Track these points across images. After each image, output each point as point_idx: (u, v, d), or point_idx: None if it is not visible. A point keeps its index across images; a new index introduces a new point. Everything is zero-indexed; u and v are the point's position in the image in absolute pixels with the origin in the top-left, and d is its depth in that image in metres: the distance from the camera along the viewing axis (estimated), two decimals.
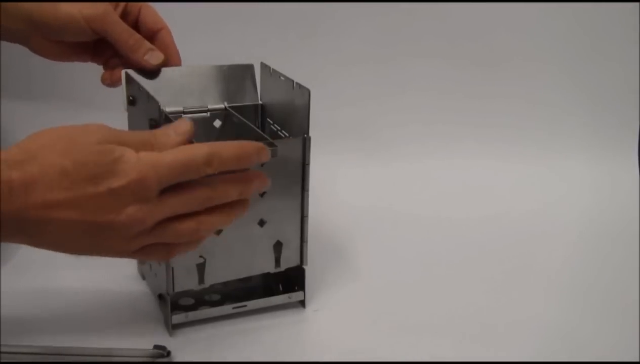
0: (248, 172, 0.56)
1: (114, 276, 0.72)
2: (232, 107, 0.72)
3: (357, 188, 0.96)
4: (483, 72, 1.03)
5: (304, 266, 0.67)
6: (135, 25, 0.68)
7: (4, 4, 0.64)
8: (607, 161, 1.01)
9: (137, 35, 0.67)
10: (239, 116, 0.70)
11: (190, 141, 0.54)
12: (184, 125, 0.54)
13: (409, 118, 1.03)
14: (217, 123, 0.72)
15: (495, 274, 0.77)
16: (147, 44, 0.67)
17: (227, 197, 0.54)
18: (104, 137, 0.50)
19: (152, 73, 0.67)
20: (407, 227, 0.87)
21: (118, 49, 0.66)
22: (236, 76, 0.72)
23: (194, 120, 0.71)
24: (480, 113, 1.03)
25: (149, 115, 0.60)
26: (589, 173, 1.00)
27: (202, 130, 0.72)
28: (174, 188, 0.51)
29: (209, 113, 0.72)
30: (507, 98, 1.03)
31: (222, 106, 0.72)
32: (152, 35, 0.68)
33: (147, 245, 0.53)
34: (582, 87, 1.03)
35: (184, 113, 0.71)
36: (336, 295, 0.71)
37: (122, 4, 0.67)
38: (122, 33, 0.66)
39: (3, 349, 0.58)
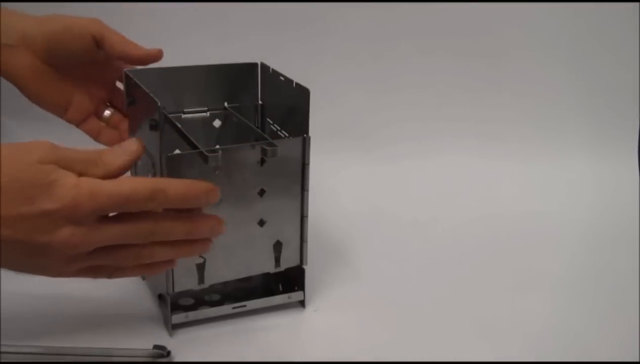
0: (199, 214, 0.56)
1: None
2: (232, 107, 0.72)
3: (357, 188, 0.96)
4: (483, 72, 1.03)
5: (304, 266, 0.67)
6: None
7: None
8: (607, 160, 1.01)
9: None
10: (238, 116, 0.70)
11: (135, 161, 0.54)
12: (132, 145, 0.54)
13: (409, 118, 1.04)
14: (217, 123, 0.72)
15: (496, 273, 0.77)
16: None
17: (172, 235, 0.54)
18: (45, 155, 0.50)
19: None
20: (407, 227, 0.87)
21: (115, 51, 0.67)
22: (238, 75, 0.72)
23: (194, 119, 0.72)
24: (480, 113, 1.04)
25: (149, 115, 0.60)
26: (588, 172, 1.00)
27: (202, 130, 0.72)
28: (115, 216, 0.51)
29: (208, 113, 0.72)
30: (508, 97, 1.03)
31: (222, 106, 0.72)
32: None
33: (89, 266, 0.53)
34: (582, 86, 1.03)
35: (184, 113, 0.71)
36: (336, 295, 0.71)
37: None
38: (121, 37, 0.67)
39: (3, 349, 0.58)
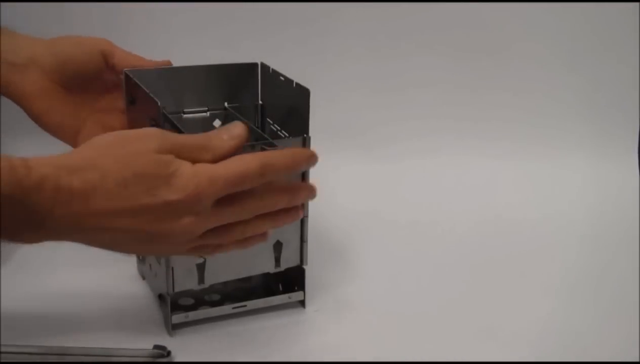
0: (297, 183, 0.59)
1: (114, 276, 0.72)
2: (232, 107, 0.72)
3: (357, 188, 0.96)
4: (483, 71, 1.03)
5: (304, 266, 0.67)
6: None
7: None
8: (607, 159, 1.01)
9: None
10: (239, 116, 0.70)
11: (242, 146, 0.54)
12: (238, 129, 0.54)
13: (409, 118, 1.03)
14: (217, 123, 0.72)
15: (495, 273, 0.77)
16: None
17: (276, 206, 0.56)
18: (160, 144, 0.51)
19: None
20: (407, 227, 0.87)
21: (125, 65, 0.67)
22: (238, 75, 0.72)
23: (194, 119, 0.72)
24: (480, 112, 1.04)
25: (149, 115, 0.60)
26: (589, 172, 1.00)
27: (202, 130, 0.72)
28: (226, 199, 0.52)
29: (208, 113, 0.72)
30: (508, 97, 1.03)
31: (222, 106, 0.72)
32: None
33: (197, 246, 0.55)
34: (583, 86, 1.03)
35: (184, 113, 0.71)
36: (336, 295, 0.71)
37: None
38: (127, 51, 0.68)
39: (3, 349, 0.58)
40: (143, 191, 0.50)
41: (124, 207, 0.49)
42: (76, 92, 0.69)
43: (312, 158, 0.56)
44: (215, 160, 0.52)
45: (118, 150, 0.51)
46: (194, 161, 0.52)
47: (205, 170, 0.51)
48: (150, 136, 0.52)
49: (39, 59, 0.67)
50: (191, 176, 0.50)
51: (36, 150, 0.52)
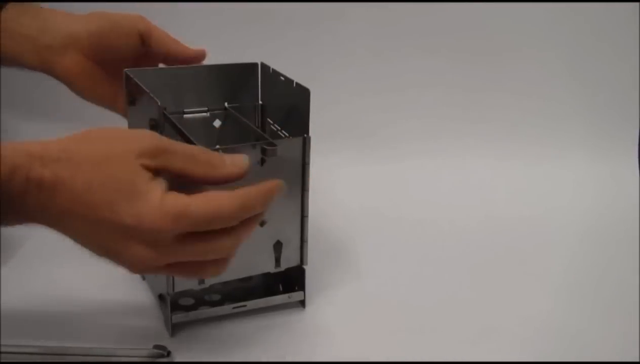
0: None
1: (114, 276, 0.72)
2: (232, 107, 0.72)
3: (358, 187, 0.96)
4: (484, 72, 1.03)
5: (304, 266, 0.67)
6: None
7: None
8: (607, 160, 1.01)
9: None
10: (239, 116, 0.70)
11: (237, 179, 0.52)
12: (242, 159, 0.52)
13: (410, 118, 1.04)
14: (217, 123, 0.72)
15: (495, 273, 0.77)
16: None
17: (248, 236, 0.53)
18: (145, 147, 0.49)
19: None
20: (408, 227, 0.87)
21: (164, 49, 0.67)
22: (238, 75, 0.72)
23: (194, 119, 0.72)
24: (480, 113, 1.04)
25: (149, 115, 0.60)
26: (589, 172, 1.00)
27: (203, 130, 0.72)
28: (192, 235, 0.50)
29: (209, 113, 0.72)
30: (508, 97, 1.03)
31: (222, 106, 0.72)
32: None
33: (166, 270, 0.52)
34: (582, 86, 1.03)
35: (185, 113, 0.71)
36: (336, 295, 0.71)
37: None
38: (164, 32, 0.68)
39: (3, 349, 0.58)
40: (105, 203, 0.48)
41: (83, 214, 0.48)
42: (112, 68, 0.69)
43: (281, 187, 0.54)
44: (206, 178, 0.51)
45: (99, 149, 0.49)
46: (179, 172, 0.50)
47: (175, 204, 0.48)
48: (139, 138, 0.50)
49: (77, 41, 0.67)
50: (156, 206, 0.48)
51: (38, 132, 0.52)
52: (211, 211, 0.49)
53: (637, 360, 0.63)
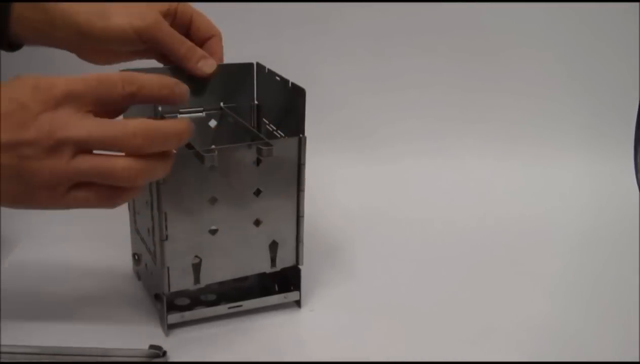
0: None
1: (110, 276, 0.72)
2: (228, 107, 0.72)
3: (353, 187, 0.96)
4: (483, 72, 1.03)
5: (300, 266, 0.67)
6: (187, 33, 0.68)
7: (54, 16, 0.63)
8: (605, 160, 1.01)
9: (189, 43, 0.66)
10: (234, 116, 0.70)
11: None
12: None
13: (406, 118, 1.04)
14: (213, 123, 0.72)
15: (494, 273, 0.77)
16: (200, 52, 0.67)
17: (152, 176, 0.53)
18: (48, 78, 0.50)
19: (203, 79, 0.68)
20: (403, 227, 0.87)
21: (170, 58, 0.66)
22: (233, 75, 0.72)
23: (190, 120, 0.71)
24: (478, 113, 1.04)
25: (146, 115, 0.60)
26: (587, 173, 1.00)
27: (198, 130, 0.72)
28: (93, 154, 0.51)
29: (204, 113, 0.72)
30: (507, 97, 1.03)
31: (218, 106, 0.72)
32: (203, 42, 0.69)
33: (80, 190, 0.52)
34: (581, 86, 1.03)
35: (180, 113, 0.71)
36: (332, 295, 0.71)
37: (172, 12, 0.67)
38: (174, 43, 0.65)
39: (3, 349, 0.59)
40: (10, 127, 0.49)
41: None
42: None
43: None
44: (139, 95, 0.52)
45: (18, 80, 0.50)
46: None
47: (74, 122, 0.50)
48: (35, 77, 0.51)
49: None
50: (52, 118, 0.49)
51: None
52: (113, 130, 0.50)
53: (637, 360, 0.63)
